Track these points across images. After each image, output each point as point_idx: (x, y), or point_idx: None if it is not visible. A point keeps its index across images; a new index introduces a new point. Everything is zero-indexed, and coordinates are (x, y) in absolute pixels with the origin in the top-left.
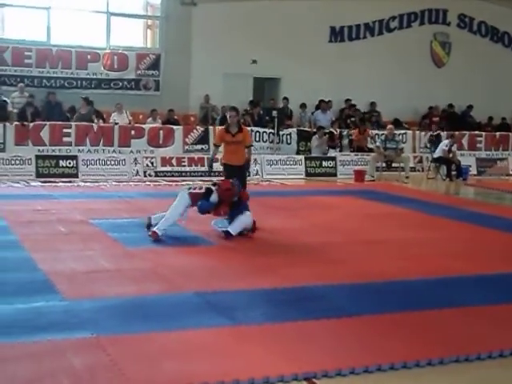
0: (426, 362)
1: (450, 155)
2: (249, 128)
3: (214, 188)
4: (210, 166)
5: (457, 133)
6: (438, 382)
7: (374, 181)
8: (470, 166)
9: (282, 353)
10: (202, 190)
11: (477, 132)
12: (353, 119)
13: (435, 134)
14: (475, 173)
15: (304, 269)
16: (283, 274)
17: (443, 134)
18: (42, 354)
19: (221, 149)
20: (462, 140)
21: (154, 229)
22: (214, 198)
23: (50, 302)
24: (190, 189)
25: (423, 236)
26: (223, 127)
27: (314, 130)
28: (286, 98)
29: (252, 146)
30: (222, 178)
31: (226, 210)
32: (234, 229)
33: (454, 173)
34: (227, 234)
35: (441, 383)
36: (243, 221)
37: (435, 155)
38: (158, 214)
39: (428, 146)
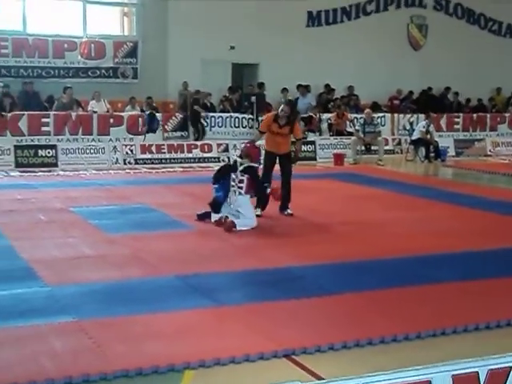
0: (403, 337)
1: (428, 136)
2: (228, 114)
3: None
4: None
5: (434, 114)
6: (415, 356)
7: (356, 164)
8: (448, 147)
9: (262, 331)
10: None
11: (455, 114)
12: (332, 103)
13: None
14: (453, 154)
15: (285, 250)
16: (264, 256)
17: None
18: (25, 339)
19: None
20: (440, 121)
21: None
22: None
23: (31, 288)
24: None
25: (403, 216)
26: (272, 114)
27: None
28: (262, 84)
29: (302, 139)
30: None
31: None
32: (240, 223)
33: (432, 154)
34: (232, 225)
35: (418, 357)
36: (247, 224)
37: (413, 137)
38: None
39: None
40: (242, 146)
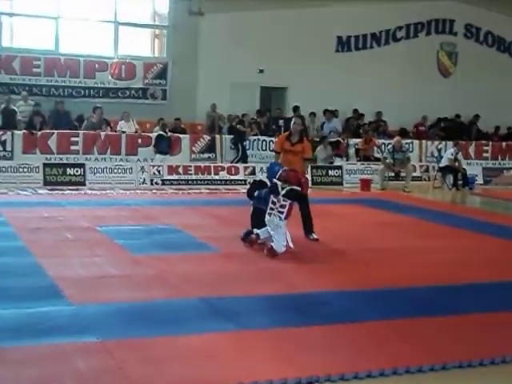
0: (428, 368)
1: (456, 164)
2: (255, 137)
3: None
4: None
5: (462, 142)
6: None
7: (383, 190)
8: (477, 175)
9: (285, 357)
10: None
11: (483, 141)
12: (362, 129)
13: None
14: (481, 182)
15: (310, 275)
16: (288, 281)
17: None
18: (49, 358)
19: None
20: (468, 149)
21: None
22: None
23: (56, 306)
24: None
25: (428, 244)
26: (285, 134)
27: (317, 139)
28: (297, 108)
29: (311, 159)
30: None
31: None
32: (278, 247)
33: (460, 182)
34: (272, 251)
35: None
36: (277, 247)
37: (441, 164)
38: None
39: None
40: (266, 166)
